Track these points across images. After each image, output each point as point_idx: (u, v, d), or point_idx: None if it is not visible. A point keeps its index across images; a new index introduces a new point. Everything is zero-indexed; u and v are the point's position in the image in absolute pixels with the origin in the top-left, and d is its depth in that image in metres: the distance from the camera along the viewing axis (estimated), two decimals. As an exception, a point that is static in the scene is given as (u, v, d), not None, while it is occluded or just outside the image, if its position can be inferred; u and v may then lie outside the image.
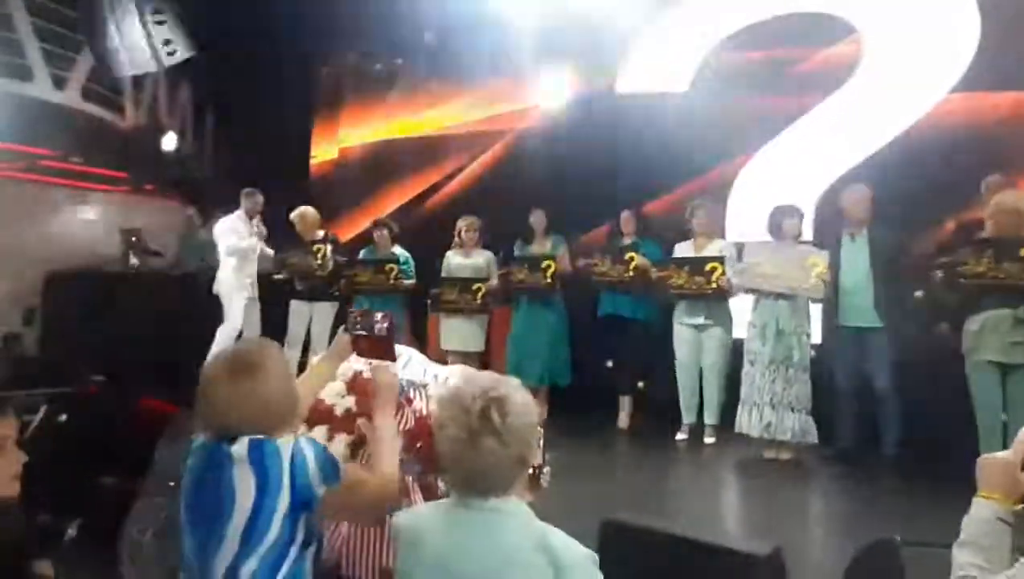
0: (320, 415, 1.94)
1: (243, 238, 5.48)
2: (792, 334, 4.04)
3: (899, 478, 3.72)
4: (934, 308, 3.74)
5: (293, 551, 1.44)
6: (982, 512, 1.33)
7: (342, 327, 1.81)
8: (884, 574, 1.69)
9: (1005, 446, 3.92)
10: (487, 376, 1.37)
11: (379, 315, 1.75)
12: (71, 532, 2.47)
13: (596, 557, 1.31)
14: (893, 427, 3.93)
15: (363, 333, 1.74)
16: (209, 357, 1.56)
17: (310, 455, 1.45)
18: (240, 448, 1.42)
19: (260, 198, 5.53)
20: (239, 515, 1.41)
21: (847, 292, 4.05)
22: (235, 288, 5.46)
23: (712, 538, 1.66)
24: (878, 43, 5.27)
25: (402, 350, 2.01)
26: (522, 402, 1.33)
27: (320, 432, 1.91)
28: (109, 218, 6.47)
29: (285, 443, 1.45)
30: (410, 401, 1.95)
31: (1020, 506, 1.32)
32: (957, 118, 4.89)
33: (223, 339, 5.26)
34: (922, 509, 3.11)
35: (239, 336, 5.26)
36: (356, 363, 1.93)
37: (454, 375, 2.00)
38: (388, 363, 1.73)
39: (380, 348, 1.74)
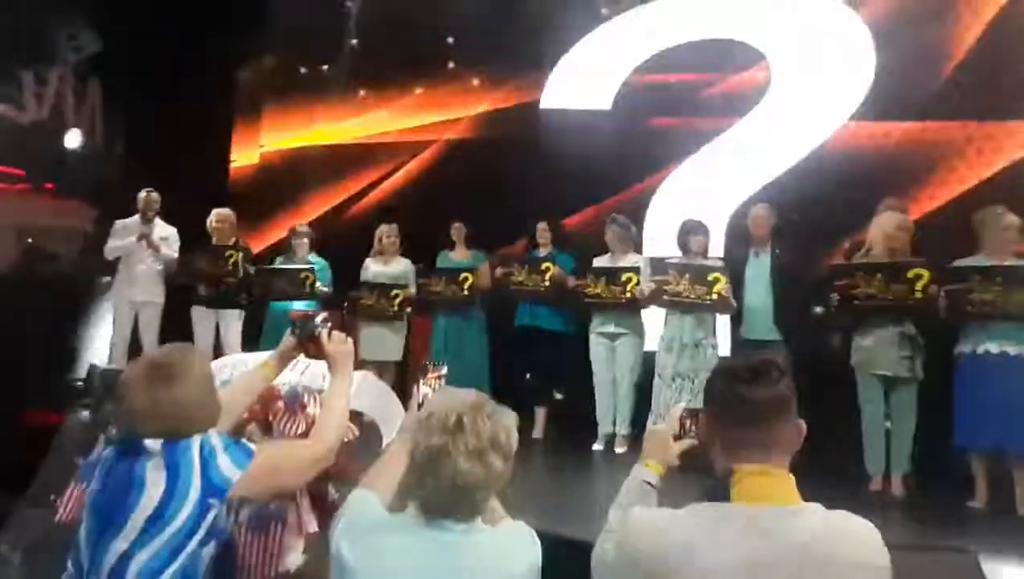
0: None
1: (120, 237, 5.17)
2: (698, 347, 4.18)
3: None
4: (830, 325, 3.97)
5: (191, 545, 1.43)
6: (633, 475, 1.45)
7: (288, 330, 1.89)
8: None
9: (888, 452, 4.15)
10: (470, 396, 1.42)
11: (319, 318, 1.85)
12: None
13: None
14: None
15: (308, 336, 1.83)
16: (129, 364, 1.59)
17: (218, 444, 1.48)
18: (154, 444, 1.44)
19: (152, 196, 5.23)
20: (145, 505, 1.41)
21: (750, 307, 4.23)
22: (114, 294, 5.21)
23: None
24: (785, 71, 5.56)
25: (302, 358, 2.01)
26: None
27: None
28: (2, 218, 6.07)
29: (196, 437, 1.47)
30: (304, 407, 1.93)
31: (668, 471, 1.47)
32: (854, 144, 5.22)
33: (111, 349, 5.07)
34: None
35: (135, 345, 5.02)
36: None
37: (356, 382, 1.99)
38: (342, 335, 1.84)
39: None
